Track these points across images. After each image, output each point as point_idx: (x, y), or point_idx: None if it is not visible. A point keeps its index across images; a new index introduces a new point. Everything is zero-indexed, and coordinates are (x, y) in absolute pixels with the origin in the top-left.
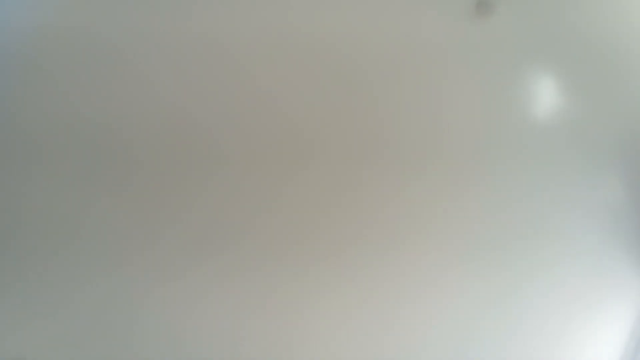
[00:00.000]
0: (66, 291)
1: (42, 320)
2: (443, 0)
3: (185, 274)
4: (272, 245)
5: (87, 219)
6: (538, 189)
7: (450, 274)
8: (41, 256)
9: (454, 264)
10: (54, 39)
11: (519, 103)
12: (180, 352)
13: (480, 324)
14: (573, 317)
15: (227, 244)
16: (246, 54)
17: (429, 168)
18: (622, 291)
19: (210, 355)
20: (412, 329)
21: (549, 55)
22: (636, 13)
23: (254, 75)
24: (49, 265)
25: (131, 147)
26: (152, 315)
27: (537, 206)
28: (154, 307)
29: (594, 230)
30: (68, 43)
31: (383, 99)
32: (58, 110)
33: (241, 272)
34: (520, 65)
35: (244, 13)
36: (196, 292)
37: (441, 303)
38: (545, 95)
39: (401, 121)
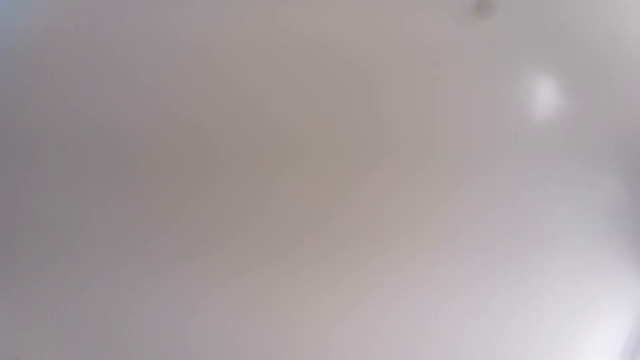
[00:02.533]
0: (66, 291)
1: (42, 320)
2: (442, 1)
3: (184, 273)
4: (265, 245)
5: (86, 219)
6: (536, 189)
7: (447, 274)
8: (40, 256)
9: (450, 264)
10: (53, 39)
11: (519, 104)
12: (180, 351)
13: (477, 324)
14: (571, 318)
15: (221, 243)
16: (243, 55)
17: (425, 168)
18: (621, 291)
19: (207, 355)
20: (406, 329)
21: (549, 55)
22: (636, 13)
23: (250, 76)
24: (48, 265)
25: (130, 147)
26: (151, 314)
27: (536, 206)
28: (152, 307)
29: (592, 229)
30: (67, 43)
31: (380, 100)
32: (59, 111)
33: (234, 271)
34: (520, 65)
35: (242, 14)
36: (194, 291)
37: (436, 303)
38: (546, 96)
39: (399, 121)
